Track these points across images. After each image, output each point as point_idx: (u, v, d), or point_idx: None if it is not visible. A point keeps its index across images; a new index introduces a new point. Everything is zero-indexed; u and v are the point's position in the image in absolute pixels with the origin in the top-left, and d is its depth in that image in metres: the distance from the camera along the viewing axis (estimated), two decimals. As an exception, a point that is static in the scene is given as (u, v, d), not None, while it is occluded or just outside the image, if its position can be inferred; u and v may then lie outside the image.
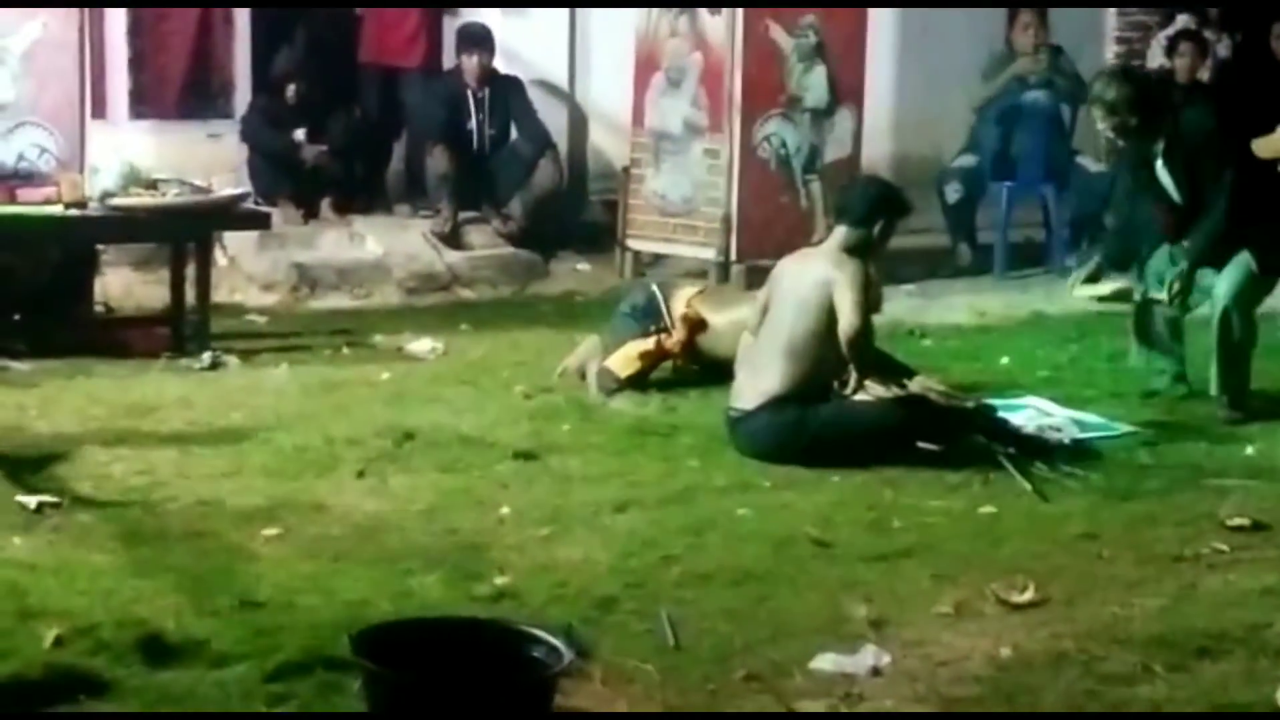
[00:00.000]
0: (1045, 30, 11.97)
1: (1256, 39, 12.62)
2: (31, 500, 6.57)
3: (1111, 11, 13.80)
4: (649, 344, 8.67)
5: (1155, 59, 11.22)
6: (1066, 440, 7.74)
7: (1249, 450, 7.69)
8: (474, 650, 4.88)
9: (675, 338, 8.67)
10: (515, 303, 11.09)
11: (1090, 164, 12.08)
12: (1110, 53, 13.83)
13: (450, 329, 10.01)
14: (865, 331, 7.45)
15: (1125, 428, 7.93)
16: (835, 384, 7.61)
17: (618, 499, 6.83)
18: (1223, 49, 12.85)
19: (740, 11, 10.86)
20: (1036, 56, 11.83)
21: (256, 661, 5.08)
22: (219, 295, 9.90)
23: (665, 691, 5.04)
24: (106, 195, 9.30)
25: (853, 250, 7.57)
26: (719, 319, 8.69)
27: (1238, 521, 6.54)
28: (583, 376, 8.66)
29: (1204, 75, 12.21)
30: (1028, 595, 5.79)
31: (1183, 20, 12.72)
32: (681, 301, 8.84)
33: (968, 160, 11.98)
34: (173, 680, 4.97)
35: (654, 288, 9.17)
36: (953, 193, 11.69)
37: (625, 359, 8.61)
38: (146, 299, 10.06)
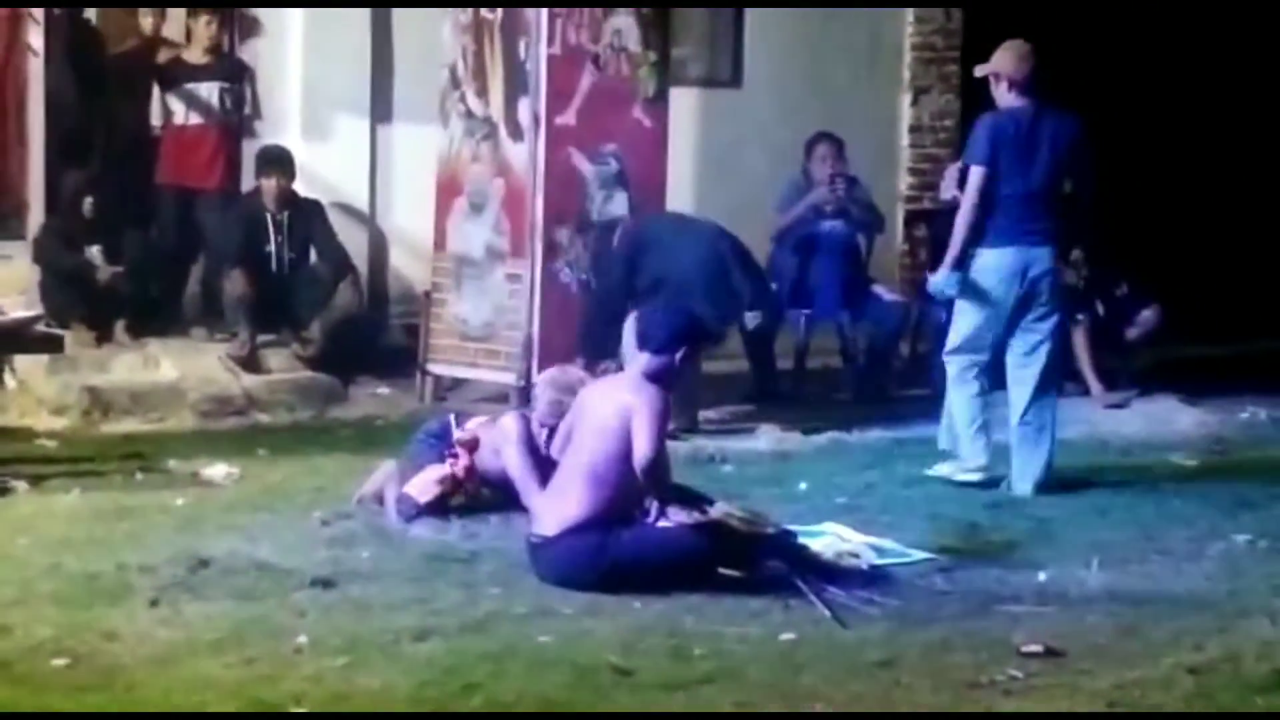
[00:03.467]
0: (842, 161, 12.12)
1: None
2: None
3: (905, 143, 14.14)
4: (445, 469, 8.64)
5: (949, 190, 11.41)
6: (864, 566, 7.77)
7: (1041, 576, 7.75)
8: None
9: (460, 463, 8.68)
10: (314, 427, 11.03)
11: (884, 293, 12.31)
12: (904, 183, 14.16)
13: (247, 454, 9.93)
14: (660, 459, 7.48)
15: (921, 554, 7.98)
16: (637, 511, 7.61)
17: (417, 627, 6.75)
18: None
19: (541, 138, 10.88)
20: (833, 187, 11.97)
21: None
22: (7, 419, 9.82)
23: None
24: None
25: (654, 378, 7.62)
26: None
27: (1031, 648, 6.57)
28: (380, 502, 8.60)
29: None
30: None
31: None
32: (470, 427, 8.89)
33: (765, 288, 12.11)
34: None
35: (450, 415, 9.15)
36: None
37: (423, 484, 8.56)
38: None
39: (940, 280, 9.59)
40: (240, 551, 7.75)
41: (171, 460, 9.66)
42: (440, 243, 11.52)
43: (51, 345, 10.21)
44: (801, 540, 7.87)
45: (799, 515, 8.49)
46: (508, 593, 7.35)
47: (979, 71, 9.45)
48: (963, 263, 9.43)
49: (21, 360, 10.44)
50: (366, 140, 12.31)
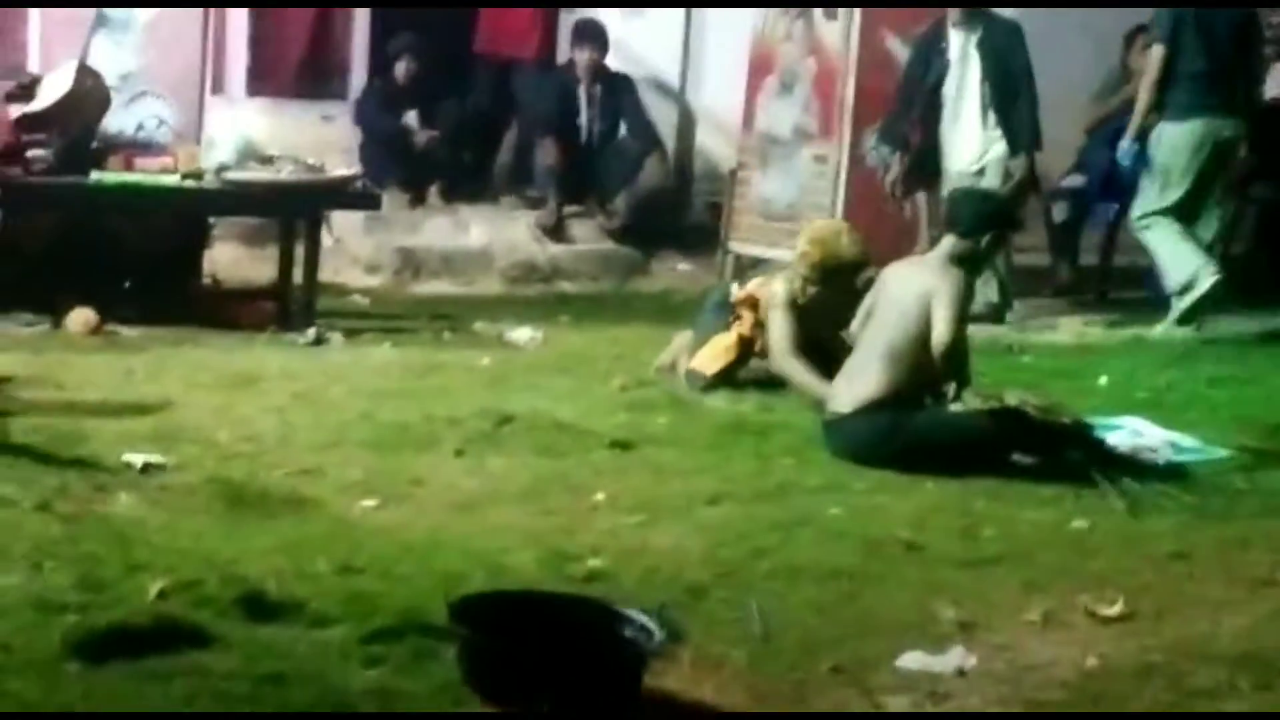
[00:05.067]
0: None
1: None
2: (138, 459, 6.70)
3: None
4: (730, 337, 8.71)
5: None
6: (1161, 461, 7.75)
7: None
8: (568, 625, 4.96)
9: (744, 322, 8.71)
10: (615, 298, 11.21)
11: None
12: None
13: (550, 320, 10.12)
14: (957, 343, 7.52)
15: (1221, 451, 7.93)
16: (933, 393, 7.69)
17: (711, 492, 6.87)
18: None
19: (856, 19, 10.90)
20: None
21: (354, 624, 5.16)
22: (324, 275, 9.99)
23: (751, 679, 5.09)
24: (222, 169, 9.49)
25: (959, 261, 7.64)
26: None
27: None
28: (675, 372, 8.77)
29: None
30: (1116, 609, 5.80)
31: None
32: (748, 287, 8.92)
33: (1075, 180, 11.97)
34: (273, 636, 5.06)
35: (733, 284, 9.22)
36: (1059, 212, 11.72)
37: (711, 355, 8.68)
38: (254, 274, 10.22)
39: (1122, 150, 10.55)
40: (541, 410, 7.93)
41: (478, 322, 9.90)
42: (748, 121, 11.59)
43: (369, 204, 10.45)
44: (1099, 432, 7.88)
45: (1097, 408, 8.49)
46: (800, 465, 7.44)
47: None
48: (1143, 134, 10.46)
49: (339, 218, 10.75)
50: (681, 17, 12.44)
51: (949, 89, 10.62)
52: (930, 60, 10.63)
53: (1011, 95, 10.60)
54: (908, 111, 10.75)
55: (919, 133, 10.81)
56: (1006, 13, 11.04)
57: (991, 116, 10.59)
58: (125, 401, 7.66)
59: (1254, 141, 11.32)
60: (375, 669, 4.89)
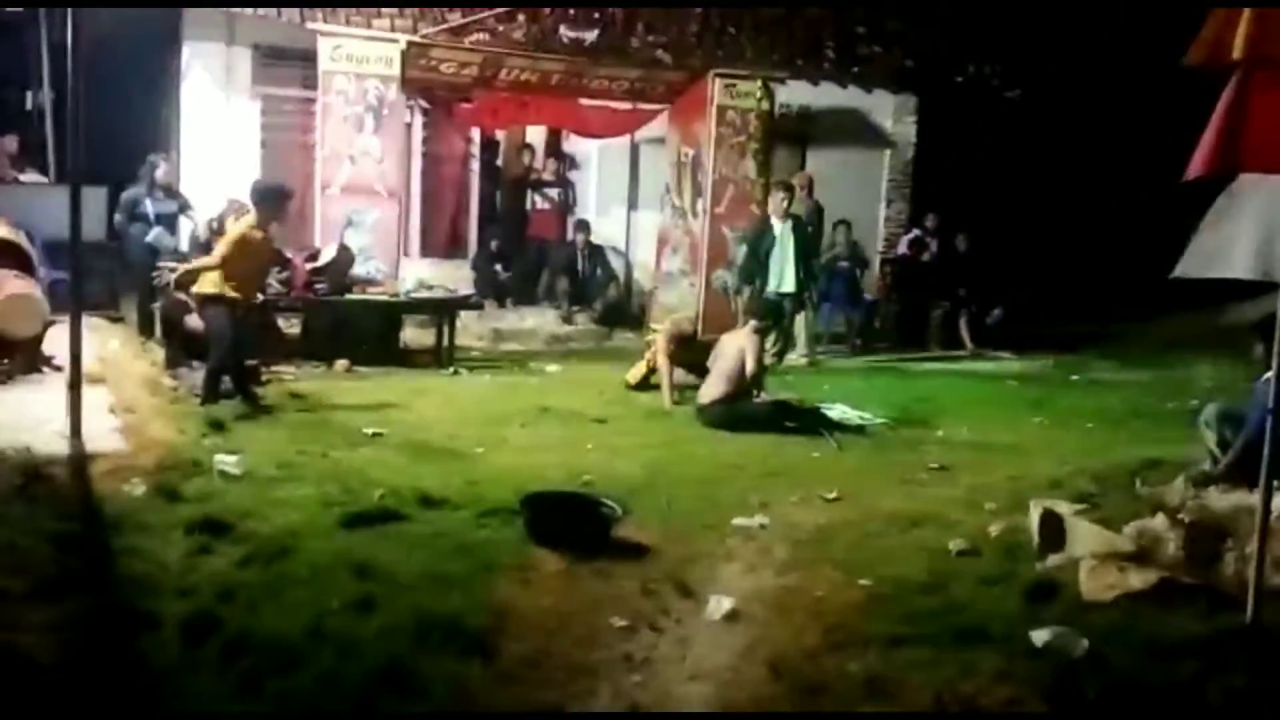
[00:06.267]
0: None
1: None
2: (370, 430, 6.78)
3: None
4: (643, 364, 8.73)
5: None
6: (853, 423, 7.83)
7: (939, 433, 7.60)
8: (577, 506, 5.07)
9: (650, 358, 8.63)
10: (596, 351, 10.96)
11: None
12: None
13: (566, 361, 10.06)
14: (758, 371, 7.64)
15: (879, 419, 7.99)
16: (751, 393, 7.67)
17: (642, 443, 6.95)
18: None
19: (707, 219, 10.79)
20: None
21: (474, 509, 5.20)
22: (459, 340, 10.01)
23: (661, 531, 5.12)
24: (408, 292, 9.66)
25: (756, 331, 7.86)
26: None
27: (933, 464, 6.65)
28: (628, 385, 8.67)
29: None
30: (833, 495, 5.91)
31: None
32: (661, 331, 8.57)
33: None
34: (436, 516, 5.08)
35: (647, 339, 8.98)
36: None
37: (634, 373, 8.73)
38: (424, 340, 10.19)
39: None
40: (562, 404, 7.99)
41: (531, 363, 9.88)
42: (658, 266, 11.56)
43: (478, 307, 10.60)
44: (824, 410, 7.97)
45: (822, 398, 8.49)
46: (685, 428, 7.50)
47: None
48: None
49: (465, 315, 10.64)
50: (625, 217, 12.37)
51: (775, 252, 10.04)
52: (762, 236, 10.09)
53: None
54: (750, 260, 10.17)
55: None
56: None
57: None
58: (363, 403, 7.70)
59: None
60: (485, 530, 4.95)
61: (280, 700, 3.36)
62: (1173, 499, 4.91)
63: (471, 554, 4.55)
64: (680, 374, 8.49)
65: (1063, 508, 4.81)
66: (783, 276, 10.16)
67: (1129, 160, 13.02)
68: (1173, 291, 5.31)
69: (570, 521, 4.83)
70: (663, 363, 8.39)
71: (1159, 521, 4.56)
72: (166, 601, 3.98)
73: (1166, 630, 3.82)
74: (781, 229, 10.11)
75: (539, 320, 11.57)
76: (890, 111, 12.82)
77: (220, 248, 7.10)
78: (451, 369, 9.35)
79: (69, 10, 5.68)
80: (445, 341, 9.64)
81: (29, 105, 12.24)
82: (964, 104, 12.64)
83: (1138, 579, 4.10)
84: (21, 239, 8.19)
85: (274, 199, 7.21)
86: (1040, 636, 3.82)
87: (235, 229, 7.22)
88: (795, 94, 11.89)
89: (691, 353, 8.37)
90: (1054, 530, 4.60)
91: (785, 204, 10.10)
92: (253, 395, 7.27)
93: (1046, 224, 13.63)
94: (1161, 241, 4.68)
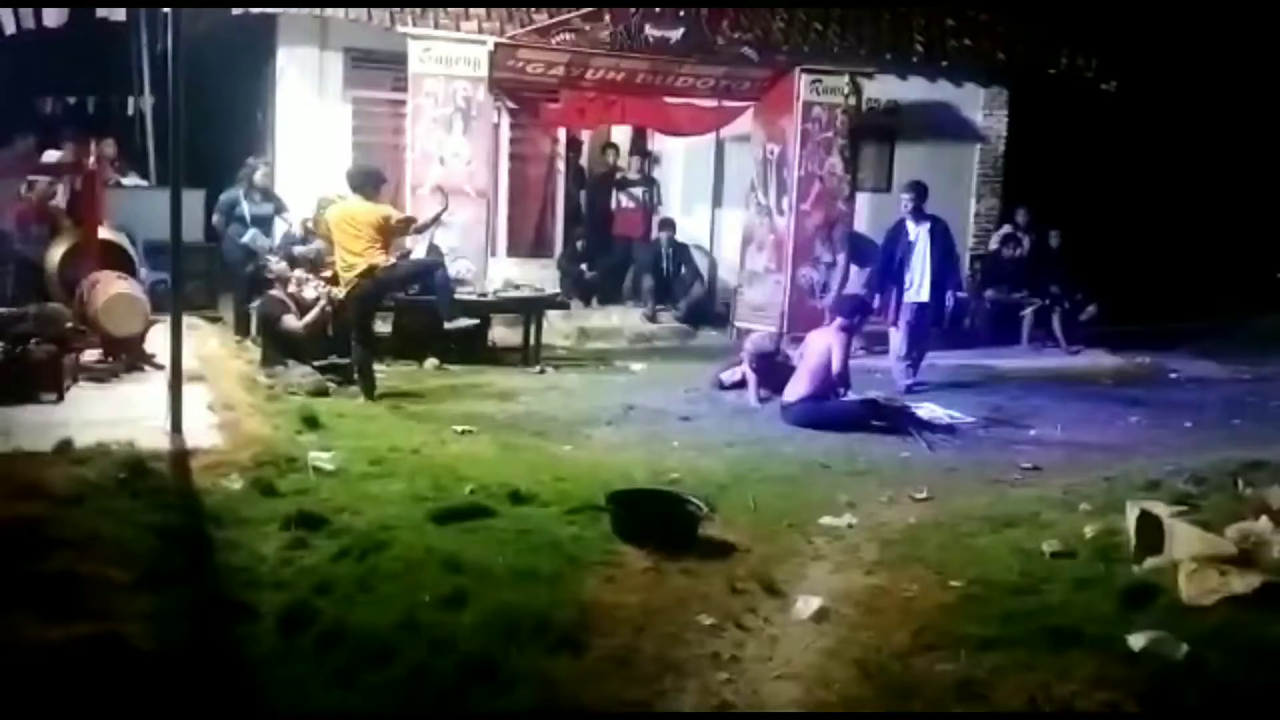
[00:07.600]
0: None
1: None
2: (459, 427, 6.85)
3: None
4: (742, 365, 8.54)
5: None
6: (944, 421, 7.83)
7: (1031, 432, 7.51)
8: (664, 503, 5.08)
9: (744, 361, 8.41)
10: (680, 349, 10.96)
11: None
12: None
13: (650, 360, 10.12)
14: (845, 368, 7.66)
15: (970, 418, 7.99)
16: (834, 392, 7.67)
17: (730, 440, 6.99)
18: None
19: (793, 216, 10.80)
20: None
21: (561, 505, 5.22)
22: (545, 339, 10.06)
23: (748, 530, 5.15)
24: (496, 291, 9.75)
25: (842, 330, 7.78)
26: None
27: (1026, 464, 6.56)
28: (718, 385, 8.62)
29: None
30: (923, 495, 5.87)
31: None
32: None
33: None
34: (524, 511, 5.11)
35: (751, 338, 8.82)
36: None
37: (730, 372, 8.66)
38: (512, 339, 10.26)
39: None
40: (647, 402, 8.07)
41: (617, 361, 9.95)
42: (743, 264, 11.52)
43: (564, 307, 10.58)
44: (913, 410, 7.94)
45: (912, 397, 8.35)
46: (772, 427, 7.54)
47: None
48: None
49: (551, 314, 10.65)
50: (709, 215, 12.34)
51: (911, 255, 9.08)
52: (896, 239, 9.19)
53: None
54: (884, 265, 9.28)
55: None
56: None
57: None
58: (452, 401, 7.82)
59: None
60: (572, 527, 4.96)
61: (374, 692, 3.42)
62: (1277, 501, 4.79)
63: (559, 550, 4.59)
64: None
65: (1161, 509, 4.71)
66: (918, 285, 9.08)
67: (1227, 154, 12.79)
68: (1274, 287, 5.05)
69: (657, 519, 4.83)
70: (748, 370, 8.44)
71: (1263, 524, 4.46)
72: (264, 593, 4.09)
73: (1270, 635, 3.72)
74: (917, 231, 9.08)
75: (624, 319, 11.55)
76: (980, 105, 12.70)
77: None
78: (538, 367, 9.41)
79: (170, 18, 5.82)
80: (532, 340, 9.68)
81: (130, 111, 12.65)
82: (1057, 96, 12.47)
83: (1240, 583, 4.01)
84: (124, 241, 8.51)
85: (371, 182, 7.56)
86: (1138, 640, 3.76)
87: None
88: (883, 88, 11.81)
89: (774, 370, 8.34)
90: (1152, 532, 4.51)
91: (911, 204, 9.08)
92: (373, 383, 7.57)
93: (1142, 219, 13.42)
94: (1262, 237, 4.47)
